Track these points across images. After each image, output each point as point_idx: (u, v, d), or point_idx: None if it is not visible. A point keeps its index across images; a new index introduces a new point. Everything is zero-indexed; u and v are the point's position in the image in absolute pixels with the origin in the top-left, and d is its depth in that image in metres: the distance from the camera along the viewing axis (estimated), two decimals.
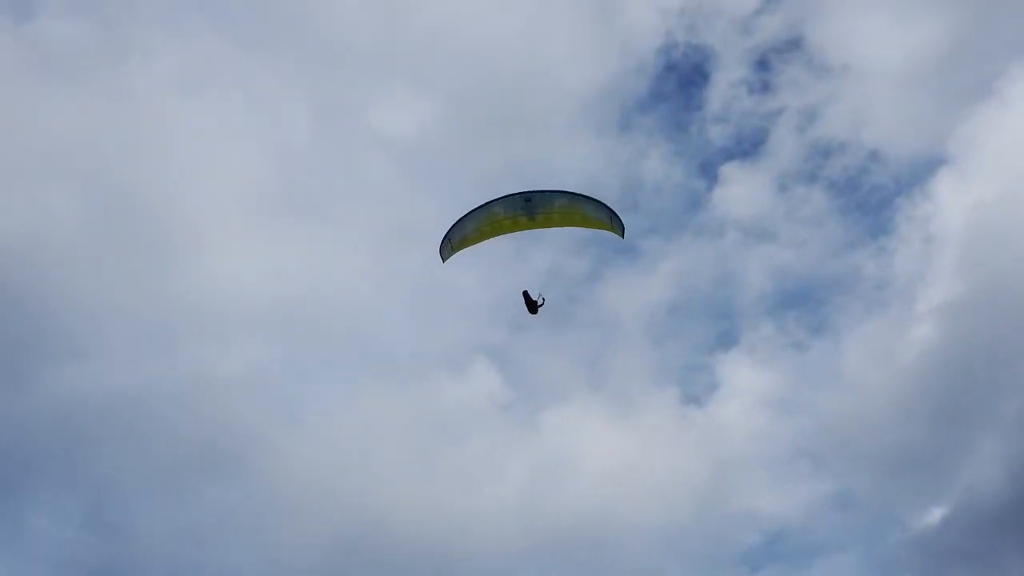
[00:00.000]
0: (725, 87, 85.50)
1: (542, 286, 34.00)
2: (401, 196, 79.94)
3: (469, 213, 31.42)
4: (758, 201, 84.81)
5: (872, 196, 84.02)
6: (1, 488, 58.20)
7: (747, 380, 76.78)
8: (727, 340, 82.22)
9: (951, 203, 78.41)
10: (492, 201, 31.21)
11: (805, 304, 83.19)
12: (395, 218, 78.96)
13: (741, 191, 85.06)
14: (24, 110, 71.02)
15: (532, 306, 33.80)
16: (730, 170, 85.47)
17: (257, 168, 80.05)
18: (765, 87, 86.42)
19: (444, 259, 32.32)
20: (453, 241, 31.96)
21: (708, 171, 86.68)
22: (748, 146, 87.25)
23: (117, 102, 75.97)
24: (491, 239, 32.06)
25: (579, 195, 31.40)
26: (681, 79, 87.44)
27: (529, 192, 31.22)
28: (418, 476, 65.16)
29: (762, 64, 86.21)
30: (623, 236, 32.05)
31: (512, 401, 71.66)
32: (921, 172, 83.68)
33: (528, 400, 72.94)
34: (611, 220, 31.74)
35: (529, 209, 31.45)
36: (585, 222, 31.87)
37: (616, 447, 71.21)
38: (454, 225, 31.69)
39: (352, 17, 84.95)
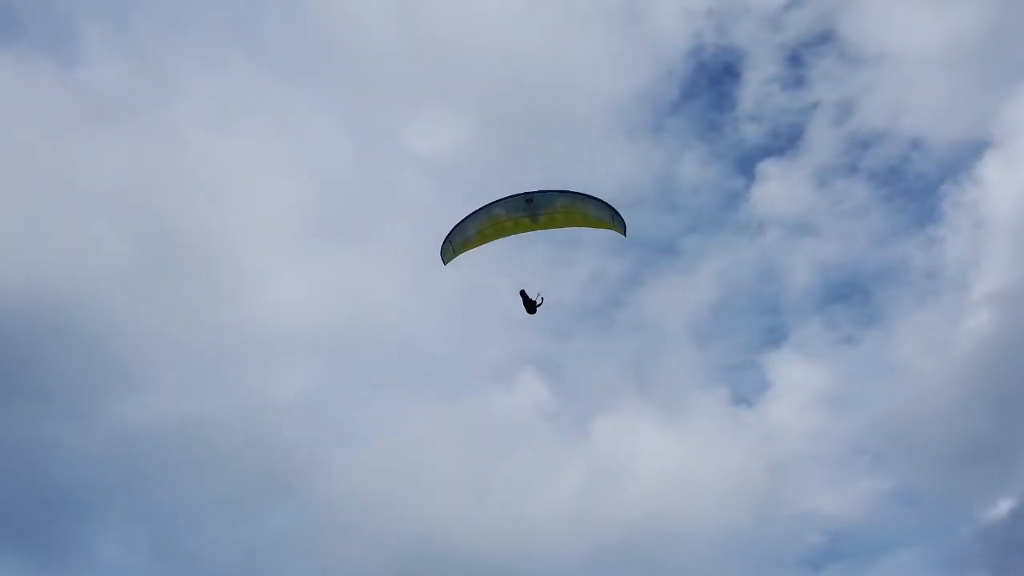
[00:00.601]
0: (757, 85, 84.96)
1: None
2: (440, 213, 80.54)
3: (470, 215, 31.09)
4: (798, 197, 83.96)
5: (916, 184, 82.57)
6: (71, 518, 60.44)
7: (798, 377, 75.97)
8: (775, 337, 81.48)
9: (1000, 187, 76.63)
10: (494, 202, 30.87)
11: (853, 297, 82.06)
12: (435, 235, 79.65)
13: (780, 188, 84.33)
14: (74, 152, 73.72)
15: (530, 305, 33.21)
16: (767, 167, 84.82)
17: (298, 195, 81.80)
18: (798, 82, 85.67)
19: (445, 262, 31.93)
20: (454, 243, 31.65)
21: (745, 169, 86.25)
22: (784, 142, 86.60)
23: (161, 139, 78.27)
24: (493, 241, 31.62)
25: (580, 194, 31.01)
26: (712, 80, 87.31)
27: (531, 193, 30.88)
28: (472, 490, 65.85)
29: (794, 59, 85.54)
30: (625, 235, 31.55)
31: (561, 410, 71.99)
32: (966, 157, 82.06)
33: (577, 408, 73.23)
34: (613, 219, 31.27)
35: (531, 210, 31.12)
36: (587, 222, 31.46)
37: (668, 451, 71.00)
38: (455, 227, 31.36)
39: (380, 39, 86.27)
